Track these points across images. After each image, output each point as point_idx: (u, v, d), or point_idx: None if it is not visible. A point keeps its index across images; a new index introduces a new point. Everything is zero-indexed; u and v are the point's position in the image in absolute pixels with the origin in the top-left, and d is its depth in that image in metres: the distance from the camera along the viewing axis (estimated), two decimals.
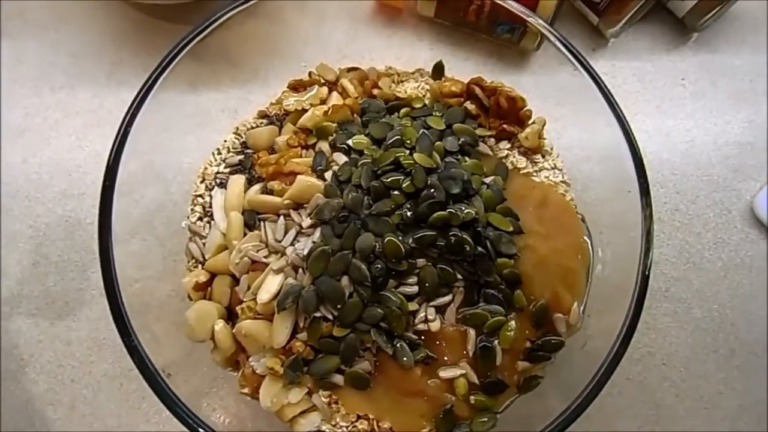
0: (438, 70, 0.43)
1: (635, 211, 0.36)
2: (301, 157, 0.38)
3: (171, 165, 0.42)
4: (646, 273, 0.33)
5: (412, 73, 0.44)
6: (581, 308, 0.35)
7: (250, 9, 0.41)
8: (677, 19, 0.47)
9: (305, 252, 0.33)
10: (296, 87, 0.43)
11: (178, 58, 0.39)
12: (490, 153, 0.38)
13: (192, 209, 0.39)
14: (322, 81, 0.43)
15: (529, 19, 0.37)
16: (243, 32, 0.43)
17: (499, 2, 0.38)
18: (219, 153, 0.41)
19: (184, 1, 0.46)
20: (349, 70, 0.45)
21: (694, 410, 0.42)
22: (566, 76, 0.45)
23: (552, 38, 0.37)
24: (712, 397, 0.43)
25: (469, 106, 0.39)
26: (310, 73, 0.44)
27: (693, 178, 0.46)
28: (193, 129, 0.43)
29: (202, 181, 0.40)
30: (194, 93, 0.44)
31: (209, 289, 0.35)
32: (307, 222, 0.34)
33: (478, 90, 0.39)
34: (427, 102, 0.40)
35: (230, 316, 0.35)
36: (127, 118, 0.37)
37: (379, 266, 0.32)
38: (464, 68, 0.46)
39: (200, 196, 0.39)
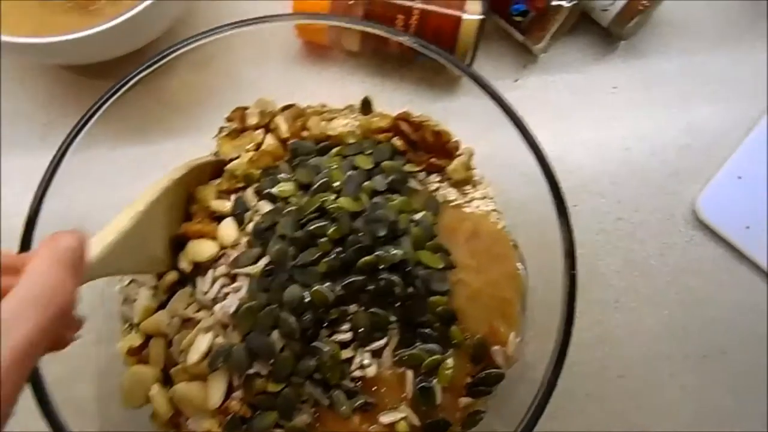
0: (366, 106, 0.43)
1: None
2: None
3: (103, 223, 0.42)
4: (571, 293, 0.33)
5: (342, 110, 0.44)
6: (518, 338, 0.35)
7: (178, 58, 0.41)
8: (604, 29, 0.47)
9: (232, 309, 0.32)
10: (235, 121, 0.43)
11: (98, 114, 0.39)
12: (420, 188, 0.38)
13: None
14: (255, 124, 0.43)
15: (441, 60, 0.36)
16: (172, 82, 0.43)
17: (414, 45, 0.38)
18: None
19: (107, 59, 0.46)
20: (284, 108, 0.44)
21: (655, 419, 0.42)
22: (491, 101, 0.46)
23: (466, 77, 0.36)
24: (670, 404, 0.42)
25: (397, 142, 0.39)
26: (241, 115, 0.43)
27: (633, 186, 0.46)
28: (124, 185, 0.43)
29: None
30: (125, 147, 0.44)
31: (144, 352, 0.35)
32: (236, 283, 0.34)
33: (404, 125, 0.39)
34: (353, 140, 0.40)
35: (168, 379, 0.35)
36: (47, 177, 0.37)
37: (308, 317, 0.32)
38: (395, 99, 0.46)
39: None
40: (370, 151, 0.39)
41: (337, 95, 0.46)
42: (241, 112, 0.42)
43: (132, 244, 0.31)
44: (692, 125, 0.47)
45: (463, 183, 0.38)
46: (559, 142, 0.47)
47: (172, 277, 0.35)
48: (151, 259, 0.34)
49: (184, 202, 0.38)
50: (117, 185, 0.43)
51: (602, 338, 0.43)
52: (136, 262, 0.33)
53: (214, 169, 0.40)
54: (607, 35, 0.48)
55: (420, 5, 0.44)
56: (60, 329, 0.25)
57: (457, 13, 0.43)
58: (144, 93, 0.41)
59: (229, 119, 0.43)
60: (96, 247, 0.28)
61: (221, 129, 0.44)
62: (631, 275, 0.44)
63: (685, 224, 0.45)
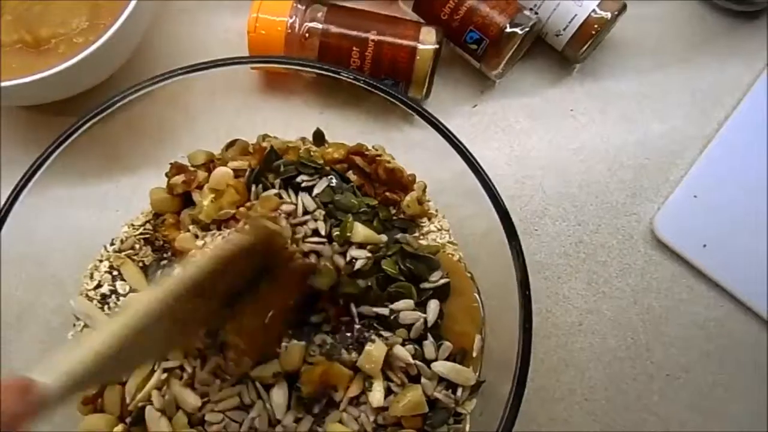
0: (318, 138, 0.43)
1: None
2: None
3: (64, 262, 0.42)
4: (527, 326, 0.33)
5: (294, 142, 0.44)
6: (478, 372, 0.35)
7: (134, 98, 0.41)
8: (559, 52, 0.48)
9: None
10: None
11: (53, 156, 0.40)
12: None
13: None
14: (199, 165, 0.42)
15: (389, 98, 0.37)
16: (131, 118, 0.43)
17: (362, 85, 0.38)
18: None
19: (63, 97, 0.46)
20: (228, 146, 0.44)
21: None
22: (455, 122, 0.46)
23: (416, 111, 0.37)
24: (636, 425, 0.43)
25: (352, 176, 0.39)
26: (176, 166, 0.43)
27: (593, 208, 0.46)
28: (85, 223, 0.43)
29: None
30: (84, 185, 0.44)
31: (99, 401, 0.35)
32: None
33: (358, 159, 0.39)
34: None
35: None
36: (1, 214, 0.37)
37: None
38: (352, 128, 0.46)
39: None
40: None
41: (296, 126, 0.47)
42: (176, 169, 0.42)
43: (113, 359, 0.25)
44: (648, 144, 0.48)
45: (418, 217, 0.38)
46: (519, 167, 0.47)
47: None
48: (139, 359, 0.30)
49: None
50: (77, 223, 0.43)
51: (567, 361, 0.44)
52: (117, 372, 0.29)
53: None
54: (563, 59, 0.49)
55: (375, 37, 0.44)
56: None
57: (411, 43, 0.44)
58: (102, 131, 0.41)
59: (170, 177, 0.42)
60: (67, 368, 0.24)
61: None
62: (593, 297, 0.45)
63: (644, 244, 0.46)
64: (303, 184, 0.38)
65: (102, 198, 0.44)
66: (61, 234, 0.43)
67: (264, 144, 0.42)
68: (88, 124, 0.40)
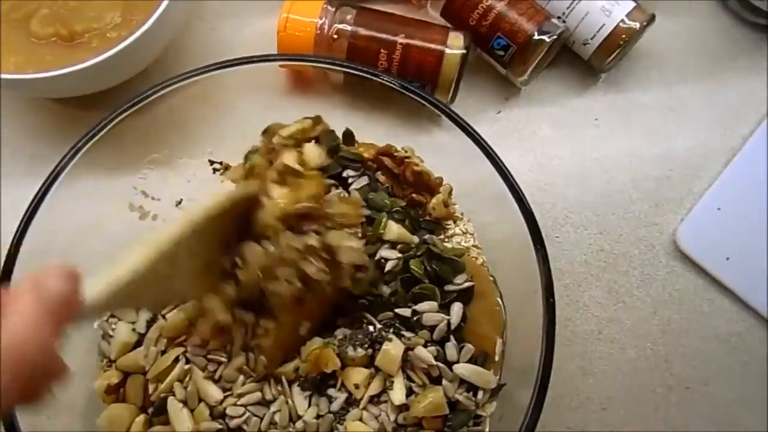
0: (348, 138, 0.43)
1: None
2: None
3: (90, 255, 0.42)
4: (550, 333, 0.33)
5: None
6: (498, 376, 0.35)
7: (163, 94, 0.42)
8: (585, 61, 0.48)
9: None
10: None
11: (85, 148, 0.40)
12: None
13: None
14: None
15: (419, 100, 0.37)
16: (160, 113, 0.43)
17: (394, 86, 0.38)
18: None
19: (95, 91, 0.46)
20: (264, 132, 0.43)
21: None
22: (479, 127, 0.46)
23: (443, 116, 0.37)
24: None
25: (380, 176, 0.39)
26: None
27: (615, 217, 0.46)
28: (112, 217, 0.43)
29: None
30: (112, 179, 0.44)
31: (122, 390, 0.35)
32: None
33: (387, 160, 0.39)
34: None
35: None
36: (30, 209, 0.37)
37: None
38: (379, 130, 0.46)
39: None
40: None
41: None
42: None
43: (148, 281, 0.27)
44: (672, 156, 0.48)
45: (444, 219, 0.38)
46: (542, 174, 0.47)
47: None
48: (171, 294, 0.31)
49: (226, 230, 0.33)
50: (104, 217, 0.43)
51: (585, 370, 0.43)
52: (152, 298, 0.30)
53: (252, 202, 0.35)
54: (588, 68, 0.49)
55: (403, 40, 0.44)
56: (38, 381, 0.22)
57: (439, 47, 0.44)
58: (130, 126, 0.42)
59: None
60: (101, 287, 0.26)
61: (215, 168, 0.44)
62: (613, 306, 0.45)
63: (666, 255, 0.46)
64: (349, 180, 0.38)
65: (129, 192, 0.45)
66: (88, 227, 0.43)
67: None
68: (118, 119, 0.40)
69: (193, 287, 0.31)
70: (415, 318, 0.35)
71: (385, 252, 0.36)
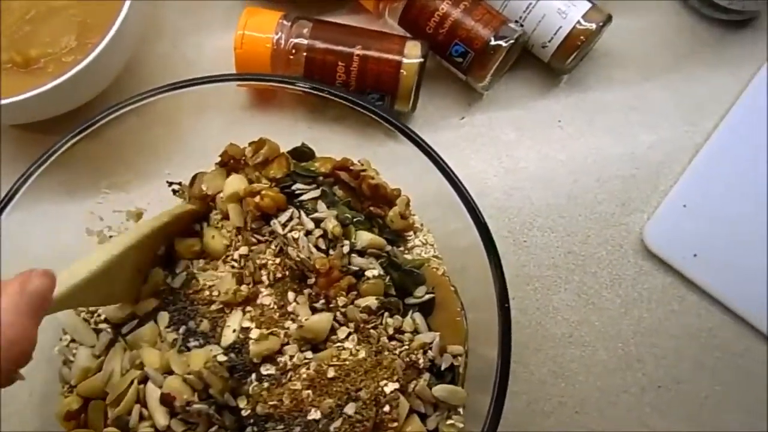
0: (303, 153, 0.43)
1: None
2: None
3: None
4: (506, 339, 0.32)
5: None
6: (462, 386, 0.35)
7: (120, 114, 0.41)
8: (546, 64, 0.48)
9: None
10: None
11: (38, 172, 0.40)
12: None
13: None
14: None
15: (372, 116, 0.37)
16: (119, 134, 0.43)
17: (346, 103, 0.39)
18: None
19: (54, 115, 0.46)
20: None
21: None
22: (443, 134, 0.46)
23: (396, 127, 0.37)
24: None
25: (338, 191, 0.39)
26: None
27: (582, 219, 0.46)
28: (72, 239, 0.43)
29: None
30: (67, 204, 0.44)
31: (83, 417, 0.35)
32: None
33: (344, 174, 0.39)
34: None
35: None
36: None
37: None
38: (341, 142, 0.46)
39: None
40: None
41: (285, 140, 0.47)
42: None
43: (99, 282, 0.33)
44: (637, 155, 0.48)
45: (404, 231, 0.38)
46: (508, 178, 0.47)
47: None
48: (115, 295, 0.36)
49: (158, 245, 0.39)
50: (62, 243, 0.43)
51: (558, 374, 0.43)
52: (100, 297, 0.35)
53: (192, 218, 0.41)
54: (550, 70, 0.49)
55: (360, 51, 0.44)
56: (14, 363, 0.26)
57: (396, 57, 0.44)
58: (83, 150, 0.41)
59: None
60: (64, 283, 0.30)
61: (174, 190, 0.44)
62: (583, 308, 0.45)
63: (634, 254, 0.45)
64: (296, 193, 0.38)
65: (86, 217, 0.44)
66: (52, 251, 0.43)
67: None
68: (72, 142, 0.40)
69: (125, 291, 0.37)
70: None
71: (358, 260, 0.36)
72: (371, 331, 0.33)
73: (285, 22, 0.45)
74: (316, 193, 0.38)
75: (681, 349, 0.44)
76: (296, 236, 0.36)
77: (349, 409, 0.31)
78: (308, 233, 0.36)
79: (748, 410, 0.42)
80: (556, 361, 0.43)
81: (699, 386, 0.43)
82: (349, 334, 0.33)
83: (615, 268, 0.45)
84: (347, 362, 0.32)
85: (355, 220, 0.37)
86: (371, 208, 0.38)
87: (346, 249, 0.35)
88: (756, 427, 0.42)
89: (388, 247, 0.37)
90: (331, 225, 0.36)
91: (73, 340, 0.37)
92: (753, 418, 0.42)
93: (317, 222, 0.37)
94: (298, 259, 0.35)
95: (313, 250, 0.35)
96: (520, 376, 0.43)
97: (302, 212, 0.37)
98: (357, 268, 0.36)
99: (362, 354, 0.32)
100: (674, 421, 0.43)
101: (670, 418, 0.43)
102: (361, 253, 0.37)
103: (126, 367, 0.35)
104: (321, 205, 0.38)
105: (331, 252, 0.35)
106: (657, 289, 0.45)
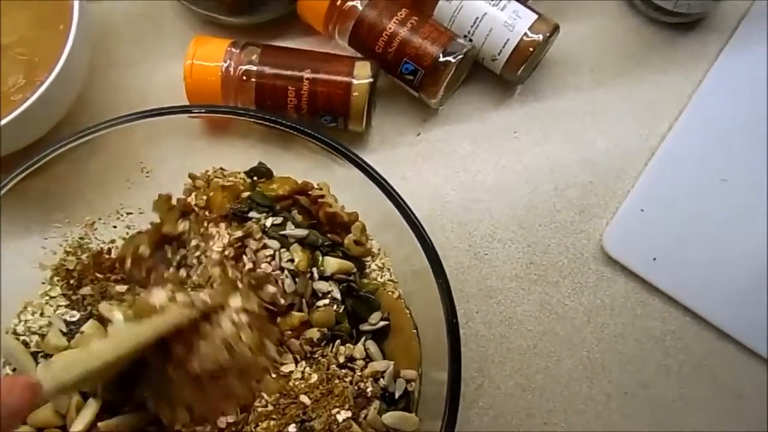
0: (263, 174, 0.43)
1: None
2: None
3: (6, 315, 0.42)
4: (455, 367, 0.32)
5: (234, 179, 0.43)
6: (415, 410, 0.35)
7: (70, 148, 0.41)
8: (499, 75, 0.48)
9: None
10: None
11: None
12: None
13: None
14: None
15: (312, 141, 0.38)
16: (73, 168, 0.43)
17: (289, 131, 0.39)
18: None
19: (6, 153, 0.46)
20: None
21: None
22: (401, 151, 0.46)
23: (341, 153, 0.37)
24: None
25: (297, 215, 0.39)
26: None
27: (541, 228, 0.46)
28: (22, 279, 0.42)
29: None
30: (30, 235, 0.43)
31: None
32: None
33: (303, 199, 0.39)
34: None
35: None
36: None
37: None
38: (298, 165, 0.46)
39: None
40: None
41: (242, 164, 0.46)
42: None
43: (95, 374, 0.31)
44: (593, 161, 0.48)
45: (361, 256, 0.38)
46: (466, 192, 0.47)
47: None
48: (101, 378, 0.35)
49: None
50: (17, 280, 0.43)
51: (524, 386, 0.43)
52: (91, 383, 0.35)
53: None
54: (504, 81, 0.49)
55: (309, 75, 0.44)
56: None
57: (346, 78, 0.44)
58: (32, 186, 0.41)
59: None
60: (57, 378, 0.29)
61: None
62: (547, 319, 0.45)
63: (595, 261, 0.46)
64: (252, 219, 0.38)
65: (38, 253, 0.44)
66: (10, 286, 0.42)
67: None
68: (19, 178, 0.40)
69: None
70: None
71: (318, 284, 0.36)
72: (321, 359, 0.33)
73: (233, 50, 0.45)
74: (278, 220, 0.38)
75: (645, 354, 0.44)
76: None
77: None
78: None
79: (714, 411, 0.43)
80: (522, 373, 0.43)
81: (665, 390, 0.43)
82: (297, 361, 0.33)
83: (576, 276, 0.45)
84: (298, 386, 0.32)
85: (325, 243, 0.37)
86: (328, 235, 0.38)
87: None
88: (723, 428, 0.42)
89: (354, 269, 0.37)
90: (297, 258, 0.36)
91: (14, 369, 0.37)
92: (720, 420, 0.42)
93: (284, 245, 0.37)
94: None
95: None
96: (486, 391, 0.43)
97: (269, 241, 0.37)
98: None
99: (314, 378, 0.32)
100: (642, 426, 0.43)
101: (638, 422, 0.43)
102: (327, 277, 0.37)
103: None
104: (290, 227, 0.38)
105: (296, 280, 0.35)
106: (619, 295, 0.45)
